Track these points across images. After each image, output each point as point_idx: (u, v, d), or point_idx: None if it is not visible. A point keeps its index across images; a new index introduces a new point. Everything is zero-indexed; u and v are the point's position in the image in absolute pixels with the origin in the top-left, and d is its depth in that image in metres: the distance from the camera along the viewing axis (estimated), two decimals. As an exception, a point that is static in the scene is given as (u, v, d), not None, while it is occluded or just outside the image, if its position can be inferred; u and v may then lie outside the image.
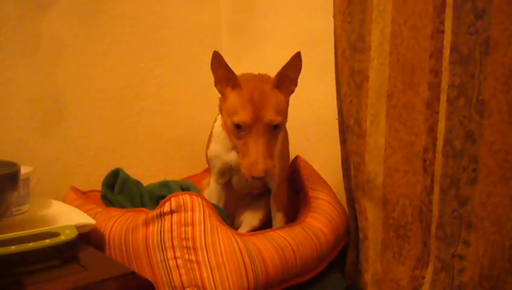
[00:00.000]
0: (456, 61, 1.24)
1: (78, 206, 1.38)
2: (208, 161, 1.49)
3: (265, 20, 1.92)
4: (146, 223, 1.19)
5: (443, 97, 1.32)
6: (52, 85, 1.53)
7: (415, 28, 1.35)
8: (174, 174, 1.82)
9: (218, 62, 1.29)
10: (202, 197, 1.19)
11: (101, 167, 1.65)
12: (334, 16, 1.49)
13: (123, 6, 1.64)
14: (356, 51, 1.43)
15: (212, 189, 1.51)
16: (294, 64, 1.32)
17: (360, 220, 1.51)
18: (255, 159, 1.21)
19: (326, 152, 1.59)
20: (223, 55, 1.31)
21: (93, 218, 1.29)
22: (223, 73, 1.30)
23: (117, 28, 1.64)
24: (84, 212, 1.33)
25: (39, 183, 1.49)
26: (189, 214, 1.17)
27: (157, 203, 1.50)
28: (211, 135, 1.48)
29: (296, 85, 1.35)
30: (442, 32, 1.31)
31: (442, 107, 1.32)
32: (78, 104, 1.60)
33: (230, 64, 1.32)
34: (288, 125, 1.51)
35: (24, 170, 1.24)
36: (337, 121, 1.53)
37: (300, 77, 1.37)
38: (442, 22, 1.30)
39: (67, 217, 1.26)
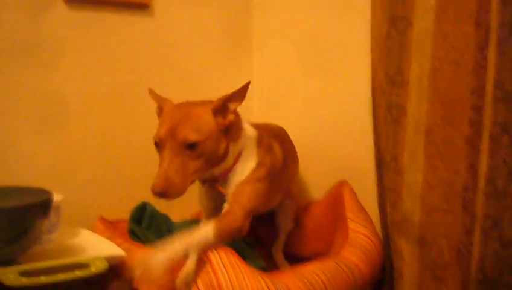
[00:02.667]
0: (499, 98, 1.22)
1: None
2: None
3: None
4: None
5: (485, 134, 1.29)
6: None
7: (455, 63, 1.34)
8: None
9: (153, 97, 1.34)
10: (226, 251, 1.19)
11: (130, 195, 1.63)
12: (371, 50, 1.47)
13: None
14: (394, 85, 1.41)
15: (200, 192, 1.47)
16: (239, 93, 1.28)
17: (395, 258, 1.46)
18: (157, 175, 1.16)
19: (362, 187, 1.54)
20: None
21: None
22: (158, 105, 1.33)
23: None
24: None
25: (66, 211, 1.47)
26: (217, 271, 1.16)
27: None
28: None
29: (233, 114, 1.29)
30: (485, 67, 1.29)
31: (485, 144, 1.29)
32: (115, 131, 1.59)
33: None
34: (321, 157, 1.50)
35: (55, 197, 1.23)
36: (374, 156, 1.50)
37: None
38: (485, 58, 1.28)
39: (96, 247, 1.24)
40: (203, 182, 1.38)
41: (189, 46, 1.78)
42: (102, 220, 1.49)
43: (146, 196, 1.64)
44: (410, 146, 1.40)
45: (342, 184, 1.57)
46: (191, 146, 1.19)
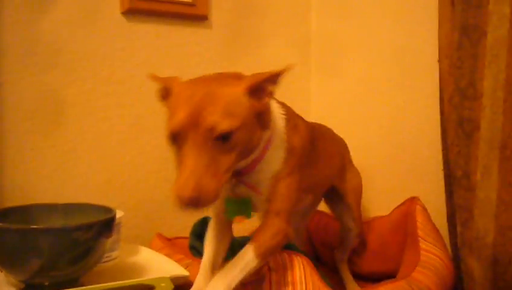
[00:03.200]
0: None
1: (166, 256, 1.32)
2: None
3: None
4: (244, 285, 1.11)
5: None
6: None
7: (532, 74, 1.25)
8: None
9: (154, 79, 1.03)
10: (301, 256, 1.11)
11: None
12: (439, 60, 1.41)
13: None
14: (466, 98, 1.34)
15: (210, 225, 1.24)
16: (277, 75, 0.99)
17: (466, 281, 1.39)
18: (180, 181, 0.87)
19: (430, 204, 1.47)
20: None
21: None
22: (162, 89, 1.03)
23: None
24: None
25: (124, 228, 1.45)
26: (289, 272, 1.09)
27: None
28: None
29: (269, 97, 1.01)
30: None
31: None
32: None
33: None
34: (386, 171, 1.44)
35: (117, 214, 1.20)
36: (442, 172, 1.42)
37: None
38: None
39: (159, 267, 1.21)
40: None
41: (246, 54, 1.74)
42: (160, 236, 1.46)
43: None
44: (483, 162, 1.33)
45: (413, 201, 1.49)
46: (224, 137, 0.90)
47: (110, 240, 1.17)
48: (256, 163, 1.07)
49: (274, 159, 1.09)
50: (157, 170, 1.55)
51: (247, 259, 1.02)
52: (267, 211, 1.09)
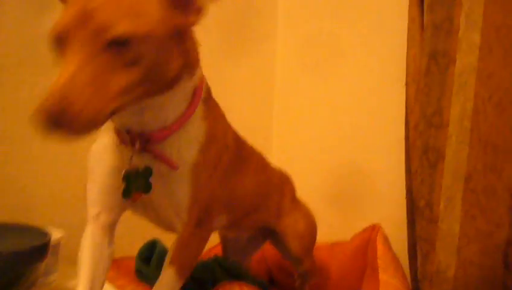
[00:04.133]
0: (552, 146, 1.09)
1: (109, 280, 1.22)
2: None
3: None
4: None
5: (534, 186, 1.16)
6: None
7: (501, 105, 1.23)
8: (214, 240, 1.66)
9: None
10: (254, 289, 1.03)
11: (133, 230, 1.49)
12: (406, 84, 1.36)
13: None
14: (432, 125, 1.29)
15: (85, 236, 0.95)
16: None
17: (425, 316, 1.32)
18: (53, 85, 0.63)
19: (391, 233, 1.41)
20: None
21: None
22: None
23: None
24: (117, 287, 1.17)
25: (65, 247, 1.34)
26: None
27: (199, 286, 1.34)
28: None
29: (198, 15, 0.78)
30: (535, 112, 1.17)
31: (533, 197, 1.16)
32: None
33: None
34: (345, 194, 1.38)
35: (54, 234, 1.11)
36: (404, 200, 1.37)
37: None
38: (536, 101, 1.16)
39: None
40: (131, 139, 0.83)
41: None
42: (105, 257, 1.35)
43: (156, 231, 1.54)
44: (447, 193, 1.28)
45: (375, 228, 1.44)
46: (120, 42, 0.67)
47: (45, 263, 1.07)
48: (170, 132, 0.84)
49: (191, 137, 0.87)
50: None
51: (172, 285, 0.92)
52: (184, 217, 0.91)
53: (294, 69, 1.82)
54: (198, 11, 0.77)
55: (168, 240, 1.42)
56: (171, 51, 0.75)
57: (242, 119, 1.75)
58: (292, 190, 1.39)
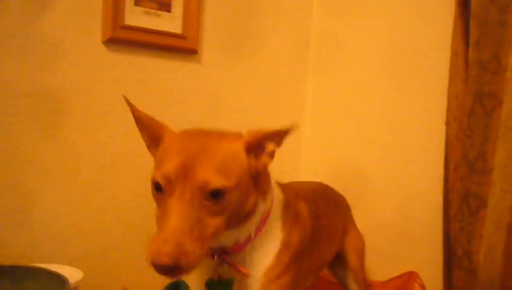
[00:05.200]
0: None
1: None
2: None
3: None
4: None
5: None
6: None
7: (549, 152, 1.13)
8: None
9: (139, 117, 0.91)
10: None
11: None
12: (447, 123, 1.28)
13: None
14: (474, 170, 1.22)
15: None
16: (280, 135, 0.89)
17: None
18: (162, 237, 0.75)
19: (426, 278, 1.32)
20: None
21: None
22: (149, 131, 0.92)
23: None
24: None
25: (84, 280, 1.30)
26: None
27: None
28: None
29: (269, 158, 0.91)
30: None
31: None
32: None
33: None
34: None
35: (74, 276, 1.06)
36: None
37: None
38: None
39: None
40: (212, 253, 0.95)
41: (240, 93, 1.61)
42: (126, 292, 1.31)
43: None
44: (488, 243, 1.21)
45: (412, 276, 1.34)
46: (215, 195, 0.80)
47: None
48: (245, 244, 0.95)
49: (267, 247, 0.97)
50: (128, 215, 1.40)
51: None
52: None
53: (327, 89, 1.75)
54: (271, 155, 0.91)
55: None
56: (249, 190, 0.88)
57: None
58: (350, 210, 1.42)
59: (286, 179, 1.15)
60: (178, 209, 0.78)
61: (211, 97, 1.52)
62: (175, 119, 1.45)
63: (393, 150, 1.51)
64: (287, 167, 1.75)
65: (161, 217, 0.79)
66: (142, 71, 1.39)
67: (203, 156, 0.82)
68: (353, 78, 1.65)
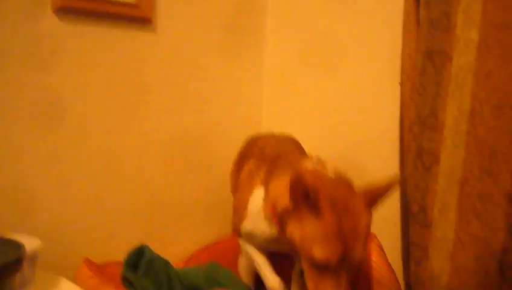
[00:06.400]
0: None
1: (93, 288, 1.17)
2: (242, 231, 1.27)
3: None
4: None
5: (532, 192, 1.11)
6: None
7: (499, 107, 1.17)
8: (202, 241, 1.61)
9: (298, 186, 0.98)
10: None
11: (120, 232, 1.45)
12: (401, 83, 1.29)
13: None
14: (426, 127, 1.23)
15: (246, 250, 1.31)
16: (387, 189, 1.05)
17: (418, 323, 1.28)
18: None
19: (382, 238, 1.35)
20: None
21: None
22: (302, 195, 0.99)
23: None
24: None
25: (46, 251, 1.28)
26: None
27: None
28: (245, 209, 1.23)
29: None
30: (536, 115, 1.11)
31: (531, 204, 1.12)
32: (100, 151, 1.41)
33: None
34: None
35: (31, 244, 1.05)
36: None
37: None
38: (537, 103, 1.11)
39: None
40: None
41: (193, 61, 1.60)
42: (89, 263, 1.31)
43: (145, 231, 1.49)
44: (441, 198, 1.23)
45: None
46: (357, 267, 1.00)
47: (21, 276, 1.02)
48: None
49: None
50: (89, 187, 1.39)
51: None
52: None
53: (286, 65, 1.75)
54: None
55: (151, 234, 1.38)
56: None
57: (234, 116, 1.72)
58: None
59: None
60: (345, 280, 0.95)
61: (167, 67, 1.51)
62: (133, 89, 1.45)
63: (350, 115, 1.53)
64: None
65: (321, 277, 0.96)
66: (95, 41, 1.37)
67: (358, 237, 0.96)
68: (307, 41, 1.66)
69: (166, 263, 1.33)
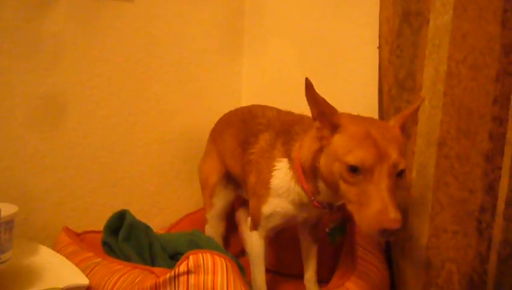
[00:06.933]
0: (527, 109, 1.06)
1: (72, 254, 1.18)
2: (261, 216, 1.19)
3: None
4: (156, 289, 0.97)
5: (508, 150, 1.14)
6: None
7: (475, 67, 1.17)
8: (183, 210, 1.61)
9: (312, 93, 1.01)
10: (226, 258, 0.99)
11: (100, 202, 1.44)
12: (379, 46, 1.29)
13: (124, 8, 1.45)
14: (404, 89, 1.24)
15: (256, 245, 1.24)
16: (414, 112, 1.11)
17: (397, 284, 1.30)
18: (384, 207, 0.92)
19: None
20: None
21: (91, 270, 1.10)
22: (319, 108, 1.02)
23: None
24: (80, 262, 1.14)
25: (26, 221, 1.28)
26: (210, 277, 0.96)
27: (170, 258, 1.29)
28: (267, 188, 1.18)
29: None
30: (511, 74, 1.12)
31: (507, 162, 1.14)
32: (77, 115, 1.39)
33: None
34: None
35: (7, 210, 1.04)
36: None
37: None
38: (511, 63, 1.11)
39: (55, 272, 1.05)
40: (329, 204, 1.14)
41: (177, 33, 1.59)
42: (68, 231, 1.30)
43: (125, 201, 1.49)
44: (419, 159, 1.25)
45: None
46: (400, 174, 0.98)
47: (-3, 241, 1.01)
48: None
49: None
50: (68, 156, 1.38)
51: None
52: None
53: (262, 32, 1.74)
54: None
55: (131, 204, 1.38)
56: None
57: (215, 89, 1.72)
58: None
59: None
60: (386, 185, 0.94)
61: (145, 36, 1.49)
62: (112, 57, 1.43)
63: (330, 81, 1.53)
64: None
65: (363, 194, 0.95)
66: (72, 8, 1.35)
67: (389, 142, 0.97)
68: (288, 9, 1.65)
69: (147, 228, 1.33)
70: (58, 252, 1.19)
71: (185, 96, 1.63)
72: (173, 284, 0.97)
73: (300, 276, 1.35)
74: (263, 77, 1.77)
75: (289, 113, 1.29)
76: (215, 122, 1.52)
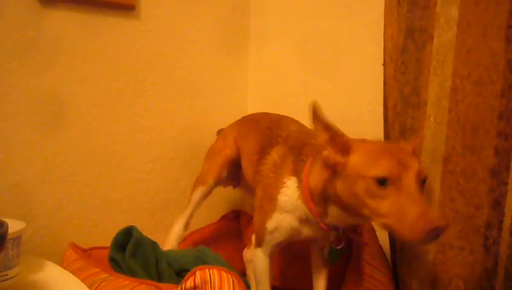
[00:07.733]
0: (532, 125, 1.06)
1: (79, 270, 1.18)
2: (266, 231, 1.19)
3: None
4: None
5: (514, 166, 1.12)
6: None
7: (480, 83, 1.18)
8: (189, 227, 1.61)
9: (321, 118, 1.00)
10: (233, 274, 0.98)
11: (106, 219, 1.44)
12: (384, 64, 1.30)
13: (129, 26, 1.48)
14: (409, 105, 1.24)
15: (260, 263, 1.22)
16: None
17: (404, 301, 1.29)
18: (424, 209, 0.90)
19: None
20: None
21: (98, 286, 1.11)
22: (330, 133, 1.01)
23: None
24: (87, 277, 1.14)
25: (33, 238, 1.29)
26: (216, 290, 0.96)
27: (177, 275, 1.29)
28: (274, 204, 1.17)
29: None
30: (515, 90, 1.12)
31: (513, 178, 1.12)
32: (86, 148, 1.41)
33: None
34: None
35: (15, 227, 1.04)
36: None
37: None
38: (516, 79, 1.12)
39: (62, 289, 1.05)
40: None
41: (182, 50, 1.60)
42: (75, 247, 1.31)
43: (132, 218, 1.49)
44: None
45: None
46: (424, 181, 0.97)
47: (5, 257, 1.02)
48: None
49: None
50: (75, 173, 1.39)
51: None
52: None
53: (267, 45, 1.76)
54: None
55: (137, 221, 1.39)
56: None
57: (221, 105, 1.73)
58: None
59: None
60: (418, 191, 0.94)
61: (150, 54, 1.51)
62: (117, 75, 1.45)
63: (335, 97, 1.54)
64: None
65: (396, 203, 0.93)
66: (79, 28, 1.36)
67: (406, 155, 0.98)
68: (291, 23, 1.67)
69: (154, 244, 1.33)
70: (65, 268, 1.19)
71: (190, 112, 1.65)
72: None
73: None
74: (269, 92, 1.78)
75: (308, 131, 1.25)
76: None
